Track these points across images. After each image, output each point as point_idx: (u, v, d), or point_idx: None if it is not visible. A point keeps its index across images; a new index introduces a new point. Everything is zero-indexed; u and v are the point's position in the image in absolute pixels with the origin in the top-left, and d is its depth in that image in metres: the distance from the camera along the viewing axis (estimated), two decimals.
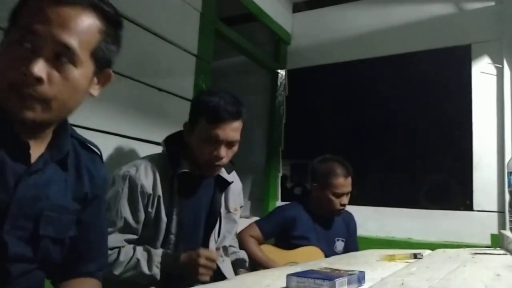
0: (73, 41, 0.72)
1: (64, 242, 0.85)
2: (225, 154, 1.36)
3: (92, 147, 0.94)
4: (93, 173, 0.91)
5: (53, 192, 0.81)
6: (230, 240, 1.58)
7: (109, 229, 1.24)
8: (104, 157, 1.49)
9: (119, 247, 1.26)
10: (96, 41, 0.76)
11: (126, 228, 1.29)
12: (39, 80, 0.69)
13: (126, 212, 1.29)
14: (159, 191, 1.33)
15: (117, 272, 1.23)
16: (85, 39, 0.74)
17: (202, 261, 1.23)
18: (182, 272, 1.26)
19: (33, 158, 0.78)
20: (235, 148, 1.40)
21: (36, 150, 0.79)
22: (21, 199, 0.75)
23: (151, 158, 1.39)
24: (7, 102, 0.70)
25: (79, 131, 1.35)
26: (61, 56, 0.72)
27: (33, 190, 0.77)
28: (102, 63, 0.81)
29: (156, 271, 1.24)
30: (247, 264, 1.67)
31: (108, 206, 1.29)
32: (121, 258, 1.24)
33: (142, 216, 1.31)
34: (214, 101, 1.34)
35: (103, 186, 0.97)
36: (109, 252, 1.22)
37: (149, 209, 1.31)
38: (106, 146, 1.53)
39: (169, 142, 1.43)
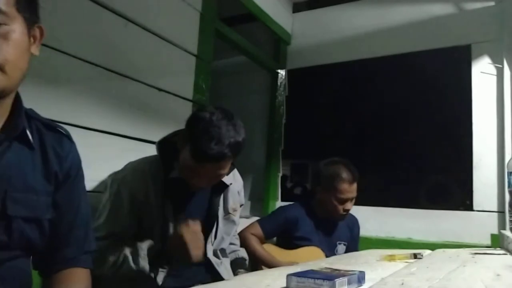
0: None
1: (41, 223, 0.84)
2: (207, 183, 1.33)
3: (57, 128, 0.92)
4: (60, 152, 0.89)
5: (18, 172, 0.80)
6: (229, 241, 1.57)
7: (98, 234, 1.23)
8: (104, 157, 1.51)
9: (108, 247, 1.25)
10: None
11: (116, 234, 1.28)
12: None
13: (115, 218, 1.28)
14: (152, 196, 1.31)
15: (107, 269, 1.23)
16: None
17: (188, 237, 1.19)
18: (174, 258, 1.25)
19: None
20: (221, 176, 1.35)
21: None
22: None
23: (144, 162, 1.37)
24: None
25: (79, 131, 1.38)
26: None
27: None
28: (30, 18, 0.80)
29: (143, 263, 1.22)
30: (247, 263, 1.66)
31: (99, 212, 1.30)
32: (110, 258, 1.23)
33: (132, 221, 1.30)
34: (205, 137, 1.22)
35: (76, 166, 0.94)
36: (97, 255, 1.21)
37: (141, 215, 1.30)
38: (106, 146, 1.54)
39: (162, 145, 1.40)
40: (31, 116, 0.87)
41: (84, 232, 0.96)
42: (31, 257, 0.88)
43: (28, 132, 0.83)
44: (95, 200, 1.34)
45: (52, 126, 0.90)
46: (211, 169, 1.27)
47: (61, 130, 0.92)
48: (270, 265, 1.83)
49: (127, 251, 1.25)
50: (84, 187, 0.98)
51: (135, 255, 1.23)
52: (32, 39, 0.81)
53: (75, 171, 0.93)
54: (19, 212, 0.79)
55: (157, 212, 1.31)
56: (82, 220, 0.95)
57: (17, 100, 0.83)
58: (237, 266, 1.58)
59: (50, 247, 0.88)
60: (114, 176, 1.34)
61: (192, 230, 1.21)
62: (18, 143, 0.82)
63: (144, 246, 1.25)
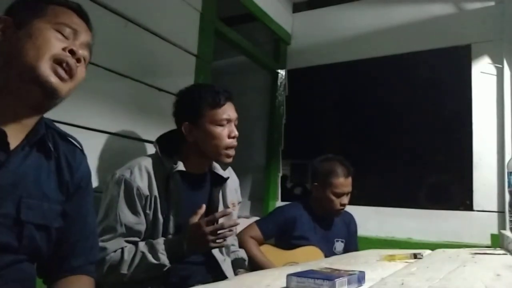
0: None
1: (50, 230, 0.86)
2: (235, 132, 1.42)
3: (71, 140, 0.96)
4: (72, 164, 0.93)
5: (34, 179, 0.83)
6: (231, 239, 1.57)
7: (110, 235, 1.25)
8: (104, 157, 1.51)
9: (122, 248, 1.26)
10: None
11: (128, 233, 1.27)
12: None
13: (126, 217, 1.28)
14: (155, 192, 1.32)
15: (124, 271, 1.22)
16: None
17: (208, 228, 1.22)
18: (191, 250, 1.26)
19: (14, 146, 0.81)
20: (236, 121, 1.46)
21: (17, 138, 0.82)
22: (1, 186, 0.77)
23: (144, 159, 1.38)
24: None
25: (79, 131, 1.38)
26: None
27: (13, 177, 0.79)
28: None
29: (163, 258, 1.23)
30: (246, 263, 1.67)
31: (105, 212, 1.29)
32: (126, 257, 1.23)
33: (142, 218, 1.30)
34: (207, 90, 1.40)
35: (87, 178, 0.98)
36: (113, 254, 1.23)
37: (147, 211, 1.31)
38: (105, 146, 1.54)
39: (162, 142, 1.43)
40: (48, 125, 0.91)
41: (90, 243, 0.99)
42: (36, 264, 0.89)
43: (47, 141, 0.88)
44: (95, 200, 1.33)
45: (66, 137, 0.95)
46: (232, 110, 1.42)
47: (75, 142, 0.96)
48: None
49: (143, 248, 1.25)
50: (92, 199, 1.02)
51: (153, 250, 1.24)
52: None
53: (85, 183, 0.97)
54: (32, 218, 0.81)
55: (160, 206, 1.32)
56: (89, 231, 0.99)
57: None
58: (236, 266, 1.59)
59: (57, 255, 0.90)
60: (117, 175, 1.33)
61: (209, 220, 1.25)
62: (37, 151, 0.86)
63: (160, 241, 1.26)
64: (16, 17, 0.84)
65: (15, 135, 0.82)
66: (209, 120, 1.38)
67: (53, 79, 0.81)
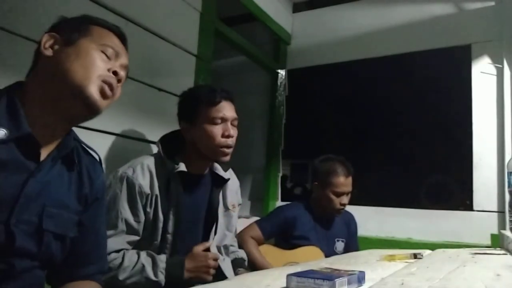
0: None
1: (65, 239, 0.88)
2: (234, 133, 1.40)
3: (91, 152, 0.99)
4: (93, 176, 0.96)
5: (56, 189, 0.86)
6: (231, 239, 1.57)
7: (111, 232, 1.24)
8: (104, 157, 1.51)
9: (123, 251, 1.26)
10: None
11: (128, 230, 1.28)
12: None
13: (127, 214, 1.28)
14: (156, 191, 1.32)
15: (122, 277, 1.22)
16: None
17: (212, 263, 1.29)
18: (190, 276, 1.27)
19: (44, 157, 0.85)
20: (236, 130, 1.43)
21: (47, 149, 0.86)
22: (28, 194, 0.80)
23: (147, 158, 1.38)
24: None
25: (79, 131, 1.35)
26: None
27: (39, 186, 0.82)
28: None
29: (161, 277, 1.23)
30: (246, 263, 1.67)
31: (107, 208, 1.29)
32: (126, 263, 1.23)
33: (142, 216, 1.30)
34: (206, 89, 1.42)
35: (103, 190, 1.01)
36: (114, 255, 1.23)
37: (148, 209, 1.31)
38: (105, 146, 1.54)
39: (164, 142, 1.43)
40: (74, 137, 0.94)
41: (101, 252, 1.02)
42: (46, 271, 0.90)
43: (74, 155, 0.92)
44: None
45: (88, 150, 0.99)
46: (228, 109, 1.39)
47: (95, 155, 1.00)
48: None
49: (144, 260, 1.24)
50: (105, 209, 1.06)
51: (154, 266, 1.24)
52: None
53: (101, 195, 1.00)
54: (52, 227, 0.84)
55: (161, 205, 1.32)
56: (101, 241, 1.03)
57: None
58: (236, 266, 1.58)
59: (68, 264, 0.92)
60: (120, 173, 1.33)
61: (214, 257, 1.32)
62: (61, 162, 0.89)
63: (162, 259, 1.26)
64: (64, 34, 0.89)
65: (46, 146, 0.86)
66: (205, 118, 1.38)
67: (98, 98, 0.86)
